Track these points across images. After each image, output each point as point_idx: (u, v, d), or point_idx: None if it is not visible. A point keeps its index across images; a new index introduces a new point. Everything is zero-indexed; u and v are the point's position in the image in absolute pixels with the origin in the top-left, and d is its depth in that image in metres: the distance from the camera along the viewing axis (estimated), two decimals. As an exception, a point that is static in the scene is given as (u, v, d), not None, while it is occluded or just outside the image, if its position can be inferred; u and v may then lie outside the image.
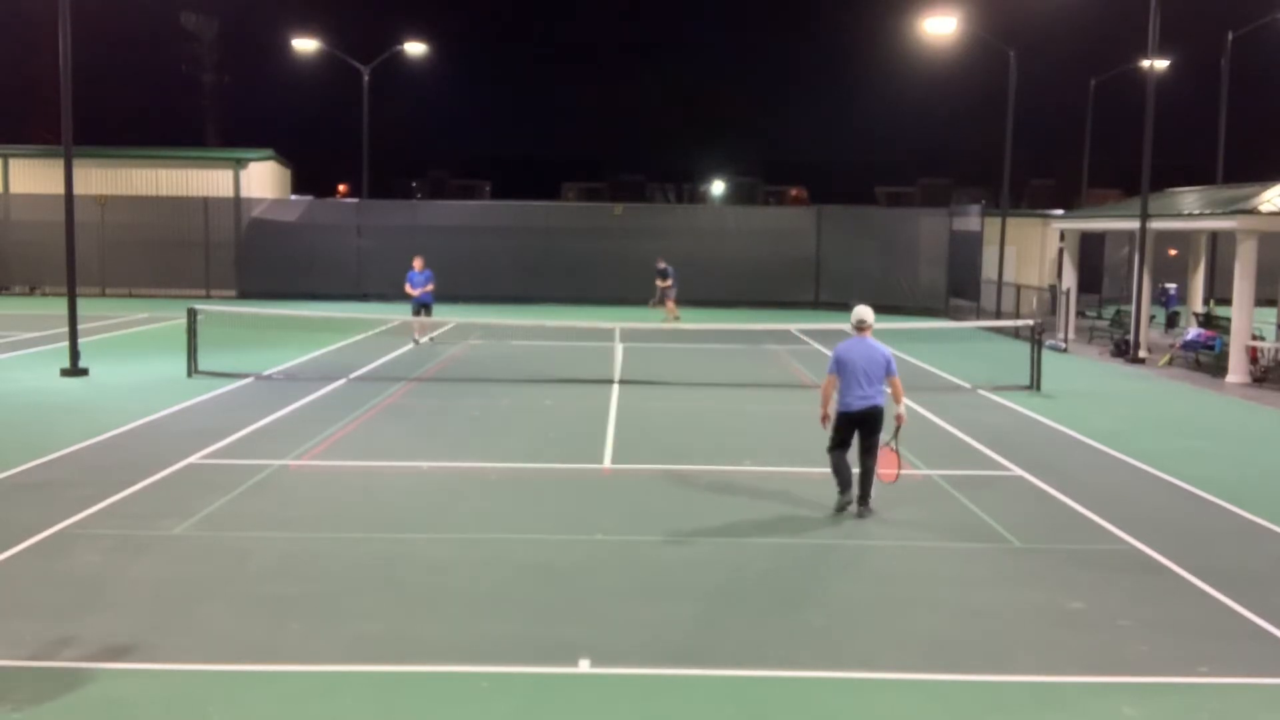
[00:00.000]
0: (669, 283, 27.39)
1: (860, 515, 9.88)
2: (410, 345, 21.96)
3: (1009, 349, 22.22)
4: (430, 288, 22.41)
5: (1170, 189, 26.91)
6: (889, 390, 9.95)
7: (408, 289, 22.40)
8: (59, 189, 18.82)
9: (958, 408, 15.89)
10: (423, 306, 22.31)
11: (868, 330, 9.92)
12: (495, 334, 23.96)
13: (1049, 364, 18.76)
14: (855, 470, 9.99)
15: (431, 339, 22.91)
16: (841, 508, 9.93)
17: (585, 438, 13.29)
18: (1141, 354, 22.36)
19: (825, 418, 9.96)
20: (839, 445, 9.92)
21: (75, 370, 17.28)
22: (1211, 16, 36.97)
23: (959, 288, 31.99)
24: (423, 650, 6.81)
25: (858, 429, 9.82)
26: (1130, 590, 8.14)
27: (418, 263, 22.53)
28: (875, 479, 10.03)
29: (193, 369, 17.50)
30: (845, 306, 26.09)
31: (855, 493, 9.95)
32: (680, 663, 6.67)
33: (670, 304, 27.35)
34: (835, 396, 9.88)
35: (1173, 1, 24.03)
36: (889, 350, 9.95)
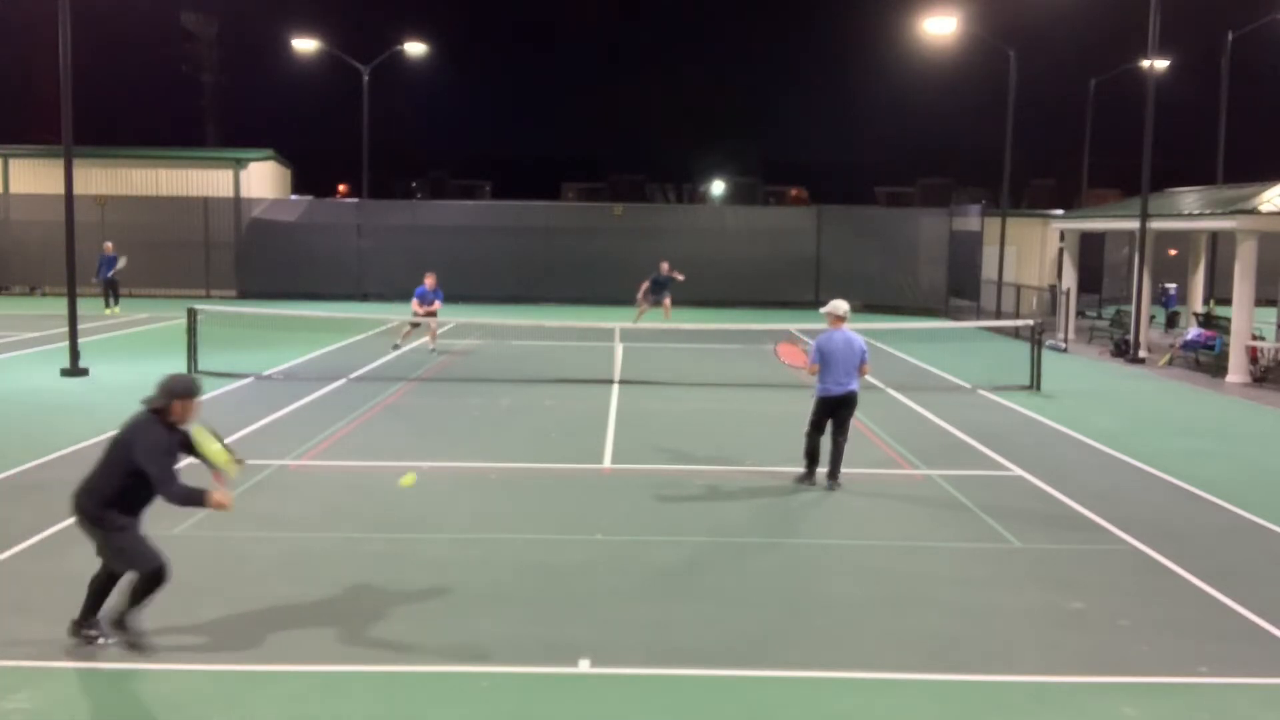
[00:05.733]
0: (645, 290, 25.59)
1: (830, 488, 10.80)
2: (392, 351, 20.59)
3: (1009, 349, 22.22)
4: (438, 305, 20.73)
5: (1170, 189, 26.91)
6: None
7: (415, 306, 20.61)
8: (59, 189, 18.81)
9: (958, 408, 15.89)
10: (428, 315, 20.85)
11: (844, 322, 10.82)
12: (495, 334, 23.95)
13: (1049, 364, 18.76)
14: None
15: (434, 350, 21.05)
16: (801, 480, 10.98)
17: (585, 438, 13.29)
18: (1141, 354, 22.36)
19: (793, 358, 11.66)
20: (815, 429, 10.87)
21: (75, 370, 17.27)
22: (1211, 16, 37.00)
23: (959, 288, 31.99)
24: (423, 650, 6.81)
25: (834, 412, 10.74)
26: (1130, 590, 8.14)
27: (429, 280, 20.69)
28: (777, 355, 12.06)
29: (193, 369, 17.50)
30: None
31: (825, 470, 10.92)
32: (680, 663, 6.67)
33: (665, 304, 26.53)
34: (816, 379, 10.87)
35: (1173, 1, 24.03)
36: (864, 341, 10.87)
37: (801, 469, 11.09)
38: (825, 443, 10.97)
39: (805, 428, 11.00)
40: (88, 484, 6.67)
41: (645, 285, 25.67)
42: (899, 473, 11.86)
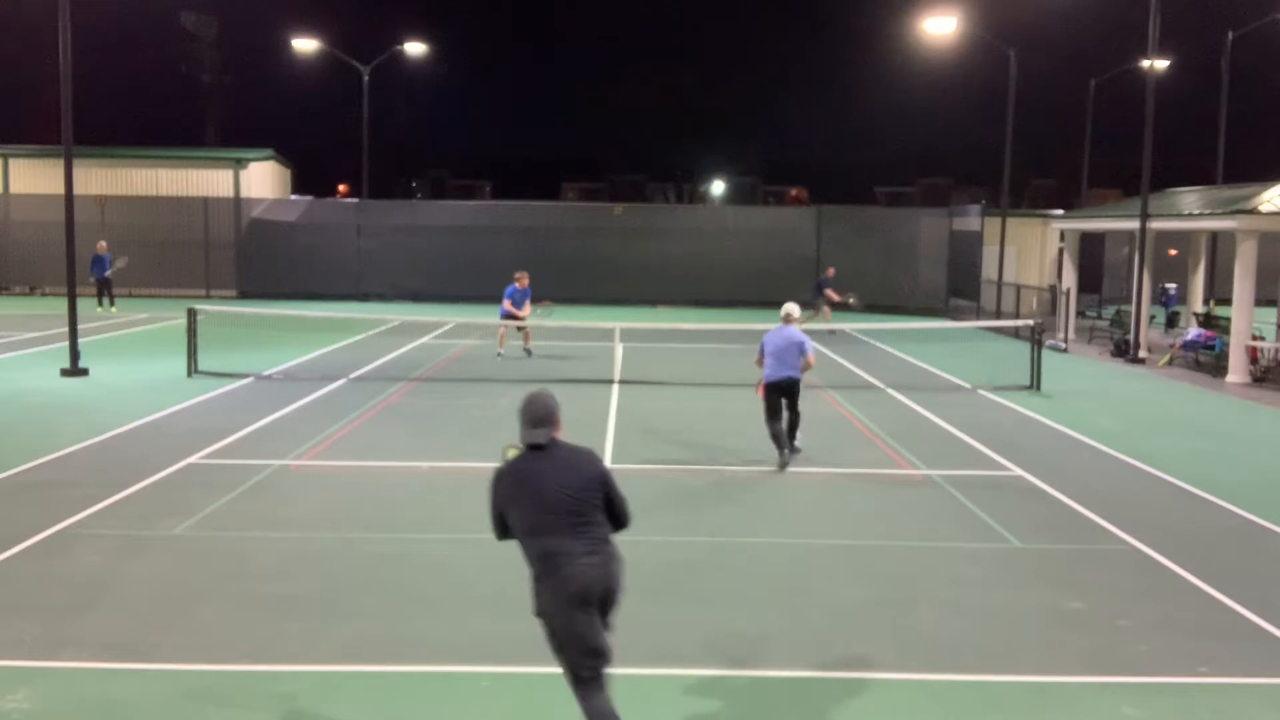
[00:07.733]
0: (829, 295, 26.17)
1: (792, 453, 11.89)
2: (498, 359, 20.00)
3: (1009, 349, 22.22)
4: (529, 308, 20.15)
5: (1170, 189, 26.90)
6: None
7: (507, 306, 20.01)
8: (59, 189, 18.82)
9: (958, 408, 15.89)
10: (511, 315, 20.22)
11: (793, 322, 12.04)
12: (495, 334, 23.91)
13: (1049, 364, 18.76)
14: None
15: (529, 351, 20.51)
16: (782, 465, 11.72)
17: (585, 438, 13.20)
18: (1141, 354, 22.36)
19: (760, 386, 12.02)
20: (770, 414, 11.84)
21: (75, 370, 17.27)
22: (1211, 16, 37.03)
23: (959, 288, 31.99)
24: (423, 650, 6.81)
25: (783, 397, 11.82)
26: (1130, 590, 8.14)
27: (523, 278, 20.09)
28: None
29: (193, 369, 17.50)
30: (847, 307, 26.27)
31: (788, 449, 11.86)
32: (680, 663, 6.66)
33: (825, 308, 26.03)
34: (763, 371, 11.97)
35: (1173, 1, 24.04)
36: (804, 337, 11.84)
37: (778, 460, 11.75)
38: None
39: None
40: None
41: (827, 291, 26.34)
42: (899, 473, 11.86)
